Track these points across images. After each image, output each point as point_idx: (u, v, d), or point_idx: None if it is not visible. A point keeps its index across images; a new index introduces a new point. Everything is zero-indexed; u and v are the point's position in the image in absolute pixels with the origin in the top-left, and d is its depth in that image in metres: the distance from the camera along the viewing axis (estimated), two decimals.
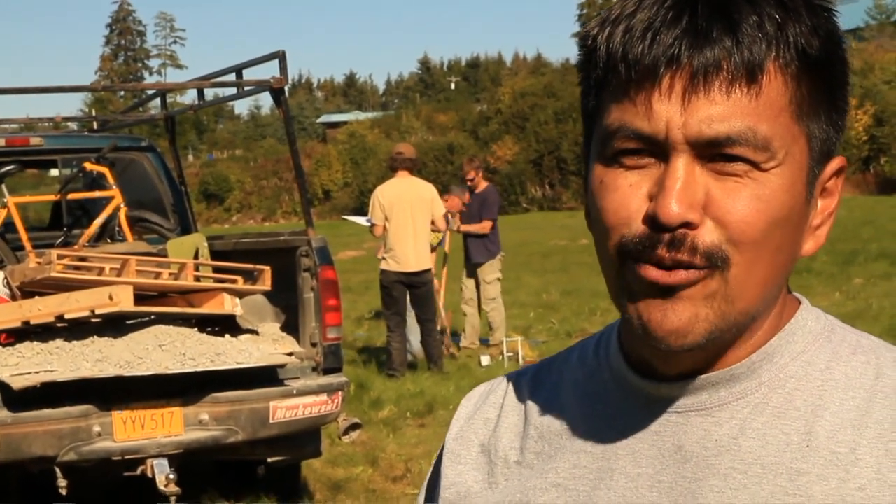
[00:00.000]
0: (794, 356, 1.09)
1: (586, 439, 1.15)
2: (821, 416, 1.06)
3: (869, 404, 1.06)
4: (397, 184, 11.19)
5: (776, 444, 1.05)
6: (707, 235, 1.00)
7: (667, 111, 1.00)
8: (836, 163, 1.09)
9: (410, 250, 11.01)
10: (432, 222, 11.19)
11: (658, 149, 1.02)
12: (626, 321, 1.08)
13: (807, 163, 1.05)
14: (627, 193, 1.03)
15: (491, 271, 12.65)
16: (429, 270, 11.26)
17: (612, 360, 1.16)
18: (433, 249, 11.97)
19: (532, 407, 1.22)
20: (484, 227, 12.47)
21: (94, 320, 6.25)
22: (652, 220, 1.01)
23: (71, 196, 8.42)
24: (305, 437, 6.76)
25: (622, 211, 1.03)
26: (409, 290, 11.16)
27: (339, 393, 6.62)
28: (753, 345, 1.09)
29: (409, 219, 10.99)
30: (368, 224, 11.55)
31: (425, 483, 1.32)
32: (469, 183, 12.74)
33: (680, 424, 1.09)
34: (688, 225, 1.00)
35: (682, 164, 1.00)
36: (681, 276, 1.01)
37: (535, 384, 1.24)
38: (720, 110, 0.99)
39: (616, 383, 1.15)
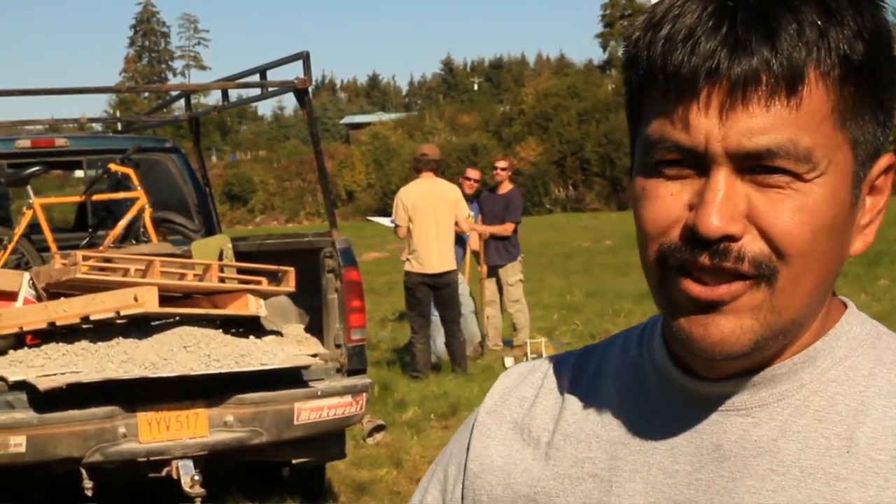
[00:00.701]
0: (836, 361, 1.09)
1: (624, 431, 1.14)
2: (862, 423, 1.05)
3: None
4: (421, 185, 11.18)
5: (816, 448, 1.04)
6: (754, 245, 1.00)
7: (706, 124, 0.99)
8: (884, 160, 1.08)
9: (434, 252, 11.00)
10: (456, 224, 11.18)
11: (698, 161, 1.01)
12: (669, 328, 1.07)
13: (851, 169, 1.03)
14: (668, 203, 1.03)
15: (513, 273, 12.64)
16: (453, 271, 11.24)
17: (655, 353, 1.16)
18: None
19: (571, 392, 1.22)
20: (507, 229, 12.46)
21: (119, 321, 6.27)
22: (692, 233, 1.00)
23: (96, 197, 8.45)
24: (330, 439, 6.76)
25: (662, 220, 1.03)
26: (433, 291, 11.15)
27: (364, 394, 6.61)
28: (797, 347, 1.08)
29: (433, 220, 10.98)
30: (392, 225, 11.55)
31: (445, 452, 1.33)
32: (499, 172, 12.72)
33: (720, 423, 1.08)
34: (730, 238, 0.99)
35: (722, 176, 0.99)
36: (724, 290, 1.01)
37: (576, 370, 1.24)
38: (760, 122, 0.98)
39: (658, 377, 1.15)
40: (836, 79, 1.00)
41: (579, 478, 1.15)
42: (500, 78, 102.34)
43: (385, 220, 13.19)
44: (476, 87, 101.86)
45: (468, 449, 1.26)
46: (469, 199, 11.88)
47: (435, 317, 11.46)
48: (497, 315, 12.96)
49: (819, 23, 0.98)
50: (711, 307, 1.01)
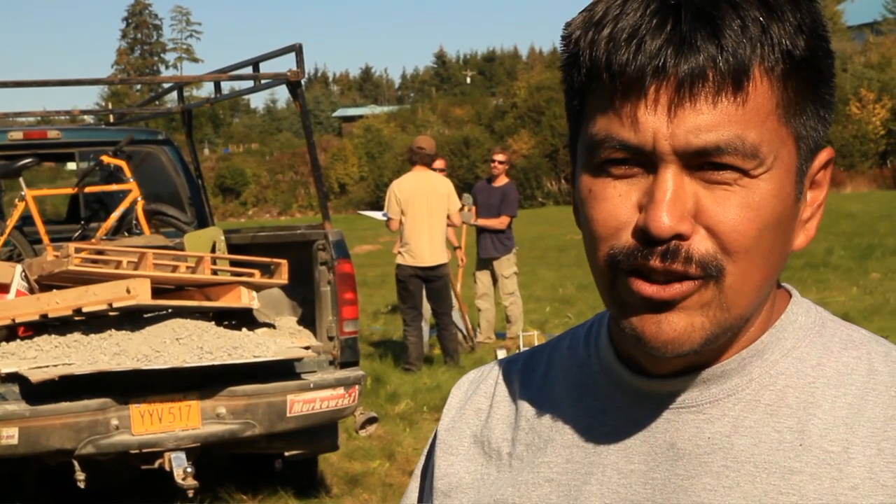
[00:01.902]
0: (784, 353, 1.09)
1: (577, 433, 1.14)
2: (813, 415, 1.05)
3: (861, 402, 1.05)
4: (414, 178, 11.18)
5: (769, 443, 1.05)
6: (701, 245, 1.00)
7: (653, 122, 0.99)
8: (824, 155, 1.09)
9: (426, 244, 11.00)
10: (448, 217, 11.18)
11: (646, 159, 1.00)
12: (618, 327, 1.07)
13: (795, 164, 1.04)
14: (617, 204, 1.02)
15: (508, 265, 12.65)
16: (445, 265, 11.25)
17: (602, 352, 1.16)
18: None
19: (523, 397, 1.22)
20: (502, 222, 12.46)
21: (111, 314, 6.27)
22: (643, 233, 1.00)
23: (88, 189, 8.45)
24: (322, 431, 6.77)
25: (611, 221, 1.03)
26: (425, 283, 11.16)
27: (356, 387, 6.62)
28: (745, 341, 1.08)
29: (425, 213, 10.99)
30: (384, 218, 11.55)
31: (417, 472, 1.32)
32: (498, 164, 12.69)
33: (671, 421, 1.09)
34: (679, 236, 0.99)
35: (670, 175, 0.99)
36: (675, 289, 1.01)
37: (525, 373, 1.24)
38: (707, 119, 0.98)
39: (606, 376, 1.15)
40: (780, 74, 1.00)
41: (535, 483, 1.15)
42: (493, 71, 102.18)
43: (377, 214, 13.18)
44: (469, 80, 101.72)
45: (434, 468, 1.26)
46: None
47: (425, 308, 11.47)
48: (490, 308, 12.97)
49: (761, 19, 0.99)
50: (663, 306, 1.01)
